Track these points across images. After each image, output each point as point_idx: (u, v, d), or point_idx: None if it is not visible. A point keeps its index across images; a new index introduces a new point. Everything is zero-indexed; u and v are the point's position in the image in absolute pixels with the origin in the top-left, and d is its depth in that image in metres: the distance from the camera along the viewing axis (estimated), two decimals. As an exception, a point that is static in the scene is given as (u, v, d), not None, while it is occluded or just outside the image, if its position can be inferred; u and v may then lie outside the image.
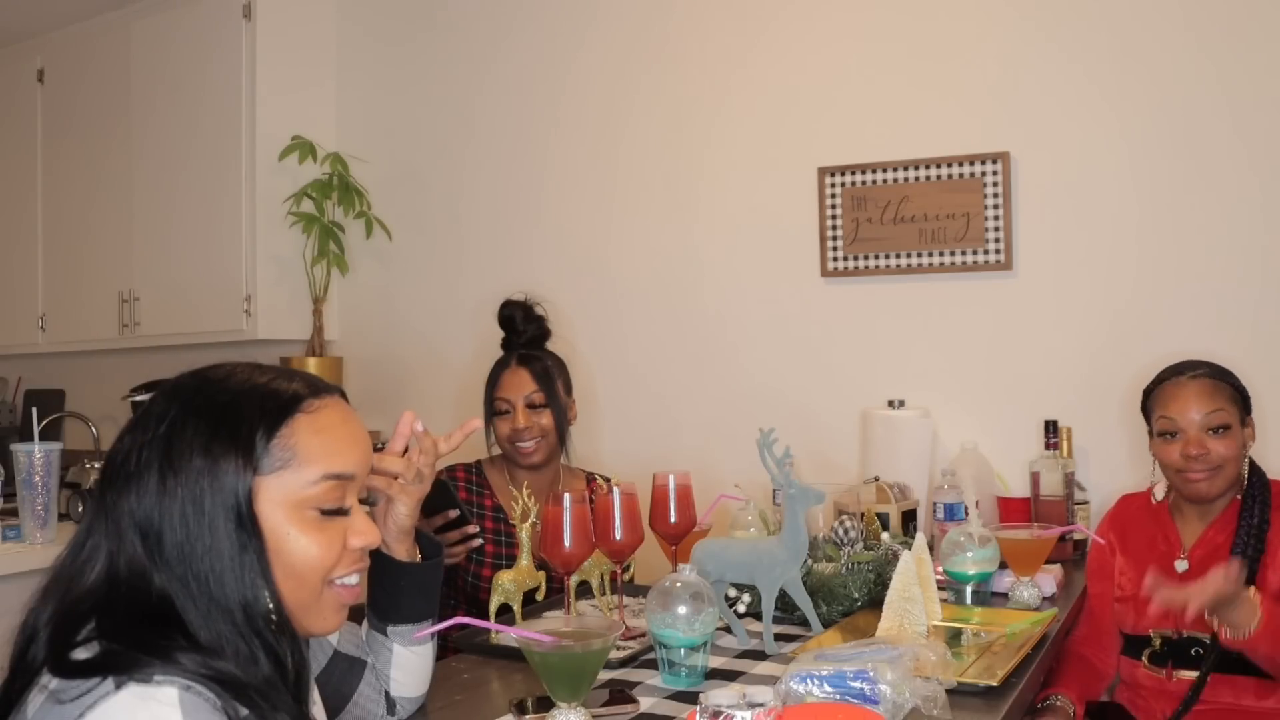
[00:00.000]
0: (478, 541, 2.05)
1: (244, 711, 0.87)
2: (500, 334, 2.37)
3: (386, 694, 1.37)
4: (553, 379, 2.27)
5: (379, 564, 1.34)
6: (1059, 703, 1.95)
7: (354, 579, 1.04)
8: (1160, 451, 1.98)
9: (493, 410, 2.27)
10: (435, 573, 1.39)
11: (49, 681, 0.86)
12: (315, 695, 1.18)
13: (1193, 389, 1.95)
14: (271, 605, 0.95)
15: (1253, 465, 1.98)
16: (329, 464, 0.99)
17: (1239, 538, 1.90)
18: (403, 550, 1.36)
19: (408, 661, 1.36)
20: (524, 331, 2.33)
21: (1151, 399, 2.02)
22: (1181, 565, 1.97)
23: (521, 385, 2.24)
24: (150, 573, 0.92)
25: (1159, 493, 2.07)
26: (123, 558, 0.93)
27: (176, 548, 0.92)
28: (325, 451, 0.99)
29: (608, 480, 2.34)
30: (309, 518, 0.98)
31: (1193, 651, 1.90)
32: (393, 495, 1.35)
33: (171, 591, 0.92)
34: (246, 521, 0.94)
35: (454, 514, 2.02)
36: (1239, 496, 1.96)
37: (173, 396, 0.98)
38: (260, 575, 0.94)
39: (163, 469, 0.94)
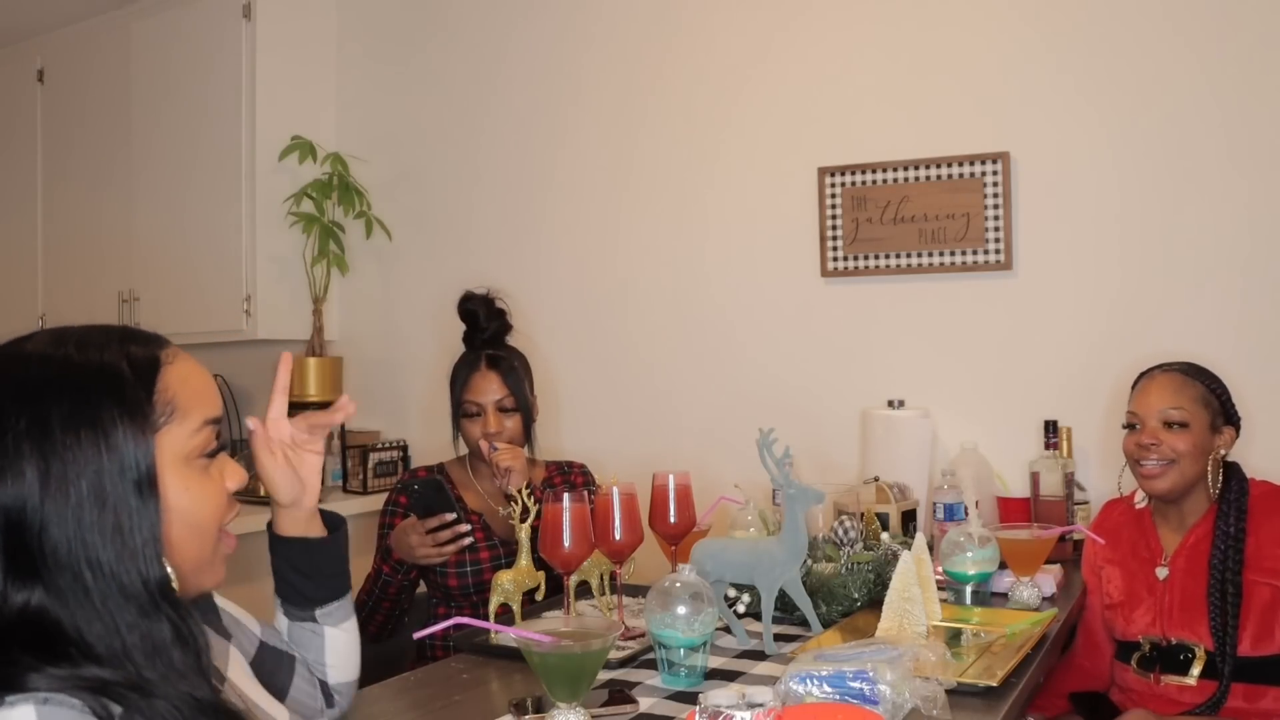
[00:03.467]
0: (469, 539, 2.08)
1: (117, 709, 0.81)
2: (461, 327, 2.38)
3: (323, 687, 1.34)
4: (521, 381, 2.30)
5: (291, 550, 1.30)
6: None
7: (230, 525, 1.03)
8: (1124, 442, 2.02)
9: (461, 412, 2.28)
10: (343, 547, 1.36)
11: None
12: (257, 685, 1.17)
13: (1158, 383, 1.98)
14: (172, 574, 0.90)
15: (1230, 471, 1.97)
16: (205, 410, 0.97)
17: (1215, 548, 1.90)
18: (314, 526, 1.33)
19: (339, 643, 1.34)
20: (487, 328, 2.34)
21: (1130, 395, 2.05)
22: (1162, 572, 1.98)
23: (492, 389, 2.26)
24: (2, 592, 0.83)
25: (1140, 499, 2.08)
26: None
27: (65, 544, 0.84)
28: (198, 398, 0.96)
29: (571, 465, 2.35)
30: (197, 467, 0.96)
31: (1181, 656, 1.90)
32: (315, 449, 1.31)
33: (45, 600, 0.83)
34: (147, 488, 0.88)
35: (450, 516, 2.04)
36: (1215, 503, 1.96)
37: (3, 383, 0.88)
38: (159, 543, 0.89)
39: (42, 463, 0.84)
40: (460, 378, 2.30)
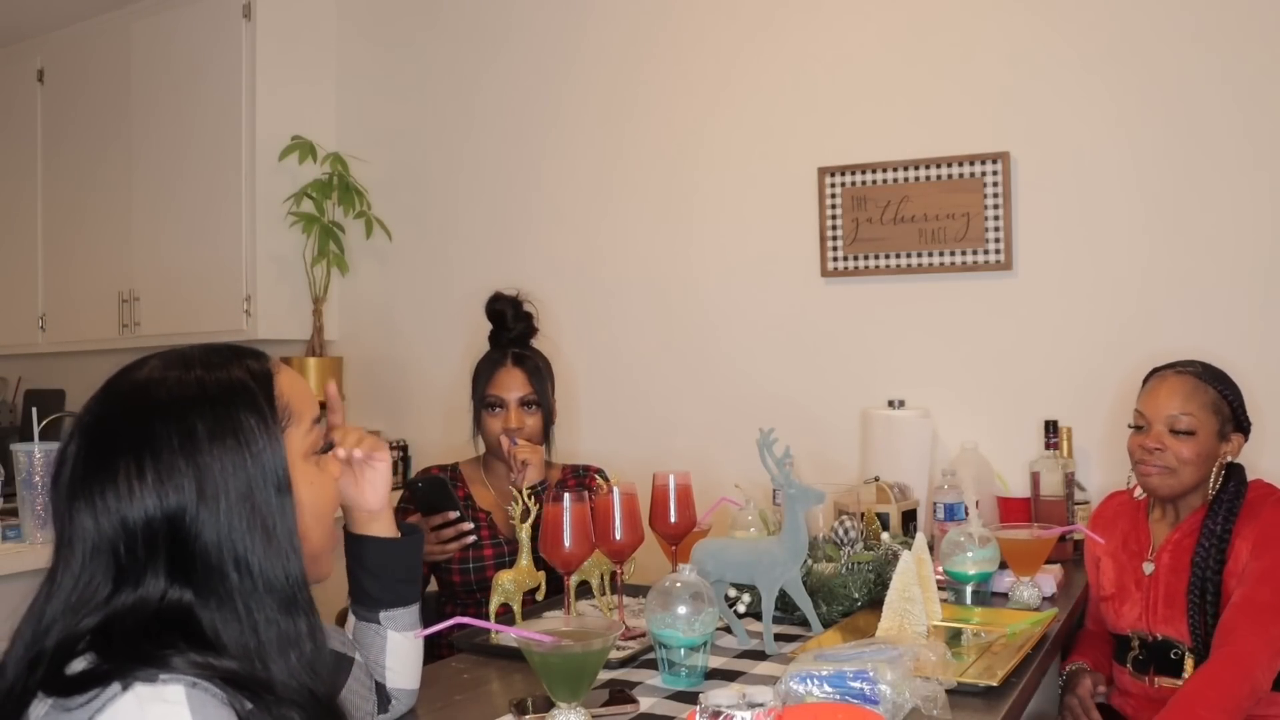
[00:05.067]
0: (473, 538, 2.10)
1: (249, 705, 0.88)
2: (489, 327, 2.38)
3: (379, 690, 1.36)
4: (544, 379, 2.32)
5: (362, 547, 1.34)
6: (1081, 668, 1.97)
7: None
8: (1129, 441, 1.99)
9: (483, 404, 2.29)
10: (418, 549, 1.38)
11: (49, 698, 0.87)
12: None
13: (1169, 385, 1.94)
14: (301, 571, 0.98)
15: (1230, 473, 1.94)
16: (312, 410, 1.07)
17: (1199, 546, 1.89)
18: (382, 527, 1.36)
19: (402, 649, 1.36)
20: (513, 328, 2.35)
21: (1140, 392, 2.03)
22: (1148, 567, 1.97)
23: (516, 385, 2.27)
24: (161, 587, 0.92)
25: (1139, 491, 2.07)
26: (128, 582, 0.91)
27: (215, 547, 0.92)
28: (304, 399, 1.06)
29: (588, 469, 2.35)
30: (313, 462, 1.06)
31: (1171, 654, 1.90)
32: (380, 459, 1.33)
33: (193, 602, 0.92)
34: (285, 487, 0.98)
35: (453, 515, 2.06)
36: (1208, 502, 1.94)
37: (144, 404, 0.96)
38: (297, 538, 0.97)
39: (196, 473, 0.93)
40: (484, 373, 2.31)
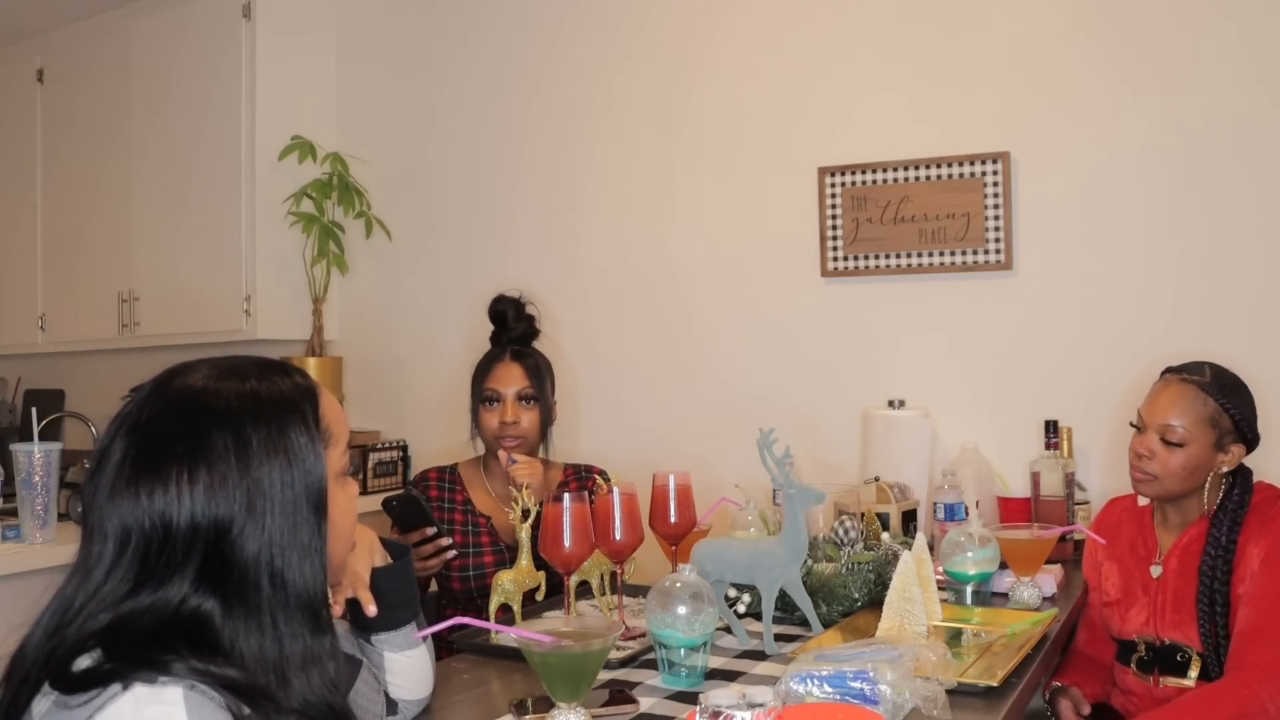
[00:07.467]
0: (452, 554, 2.10)
1: (247, 710, 0.88)
2: (489, 327, 2.39)
3: (386, 695, 1.36)
4: (543, 377, 2.32)
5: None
6: (1061, 688, 1.97)
7: None
8: (1131, 439, 1.99)
9: (481, 398, 2.29)
10: (406, 573, 1.37)
11: (52, 692, 0.88)
12: None
13: (1170, 393, 1.92)
14: (325, 589, 0.99)
15: (1235, 480, 1.92)
16: (346, 431, 1.09)
17: (1206, 555, 1.88)
18: (376, 558, 1.37)
19: (401, 666, 1.36)
20: (515, 329, 2.36)
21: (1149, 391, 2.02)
22: (1156, 570, 1.97)
23: (514, 379, 2.28)
24: (183, 592, 0.92)
25: (1142, 498, 2.06)
26: (150, 583, 0.91)
27: (254, 559, 0.93)
28: (341, 422, 1.08)
29: (590, 470, 2.36)
30: (342, 483, 1.08)
31: (1178, 657, 1.90)
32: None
33: (215, 610, 0.92)
34: (323, 507, 0.99)
35: (430, 531, 2.06)
36: (1208, 512, 1.92)
37: (200, 412, 0.96)
38: (325, 556, 0.99)
39: (248, 484, 0.94)
40: (483, 369, 2.32)
